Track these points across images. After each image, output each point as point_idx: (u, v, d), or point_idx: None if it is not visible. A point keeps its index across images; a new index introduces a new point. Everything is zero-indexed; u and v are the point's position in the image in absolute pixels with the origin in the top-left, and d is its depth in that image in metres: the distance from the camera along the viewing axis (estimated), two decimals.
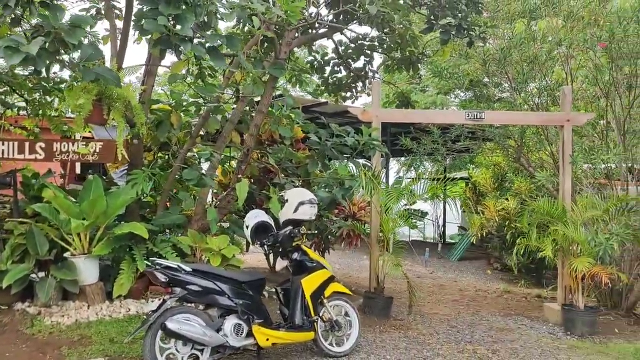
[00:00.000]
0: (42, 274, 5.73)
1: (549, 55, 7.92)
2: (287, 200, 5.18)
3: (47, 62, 4.63)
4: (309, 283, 4.96)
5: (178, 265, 4.40)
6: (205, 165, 6.91)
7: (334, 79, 9.15)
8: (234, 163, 8.06)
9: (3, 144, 6.19)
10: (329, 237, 7.81)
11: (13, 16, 4.73)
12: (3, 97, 7.17)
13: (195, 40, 4.77)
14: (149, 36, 5.15)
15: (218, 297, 4.45)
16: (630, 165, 7.62)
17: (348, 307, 5.28)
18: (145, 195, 6.67)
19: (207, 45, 4.79)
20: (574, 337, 6.24)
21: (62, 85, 6.37)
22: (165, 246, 6.13)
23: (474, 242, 12.74)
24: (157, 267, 4.35)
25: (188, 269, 4.41)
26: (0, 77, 6.47)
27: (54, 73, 6.40)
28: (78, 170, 10.77)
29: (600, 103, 7.95)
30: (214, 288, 4.44)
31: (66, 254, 5.87)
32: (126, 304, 5.84)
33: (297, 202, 5.08)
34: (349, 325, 5.23)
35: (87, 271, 5.79)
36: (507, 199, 10.55)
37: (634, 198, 6.99)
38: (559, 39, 7.68)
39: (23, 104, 7.36)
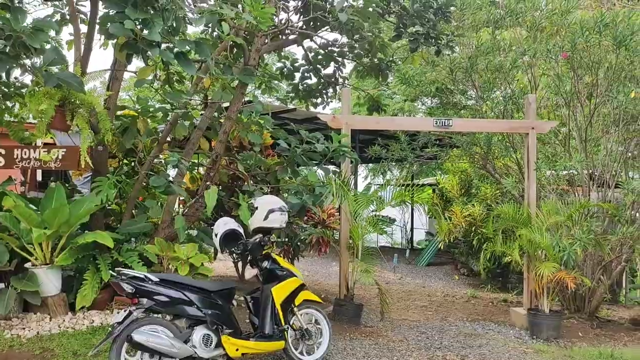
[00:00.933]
0: (1, 285, 5.55)
1: (514, 64, 8.10)
2: (257, 208, 5.10)
3: (8, 66, 4.48)
4: (280, 291, 4.89)
5: (145, 275, 4.29)
6: (172, 172, 6.79)
7: (304, 85, 9.14)
8: (202, 170, 7.96)
9: None
10: (299, 244, 7.78)
11: None
12: None
13: (163, 46, 4.68)
14: (115, 40, 5.04)
15: (186, 307, 4.35)
16: (591, 171, 7.84)
17: (318, 315, 5.24)
18: (110, 203, 6.51)
19: (176, 50, 4.70)
20: (539, 341, 6.36)
21: (24, 90, 6.16)
22: (131, 255, 5.98)
23: (442, 248, 12.91)
24: (122, 277, 4.22)
25: (155, 278, 4.30)
26: None
27: (15, 78, 6.19)
28: (39, 178, 10.45)
29: (563, 111, 8.17)
30: (182, 298, 4.34)
31: (27, 265, 5.68)
32: (90, 316, 5.67)
33: (267, 210, 5.01)
34: (319, 333, 5.18)
35: (49, 282, 5.60)
36: (473, 205, 10.73)
37: (596, 204, 7.20)
38: (523, 49, 7.86)
39: None
